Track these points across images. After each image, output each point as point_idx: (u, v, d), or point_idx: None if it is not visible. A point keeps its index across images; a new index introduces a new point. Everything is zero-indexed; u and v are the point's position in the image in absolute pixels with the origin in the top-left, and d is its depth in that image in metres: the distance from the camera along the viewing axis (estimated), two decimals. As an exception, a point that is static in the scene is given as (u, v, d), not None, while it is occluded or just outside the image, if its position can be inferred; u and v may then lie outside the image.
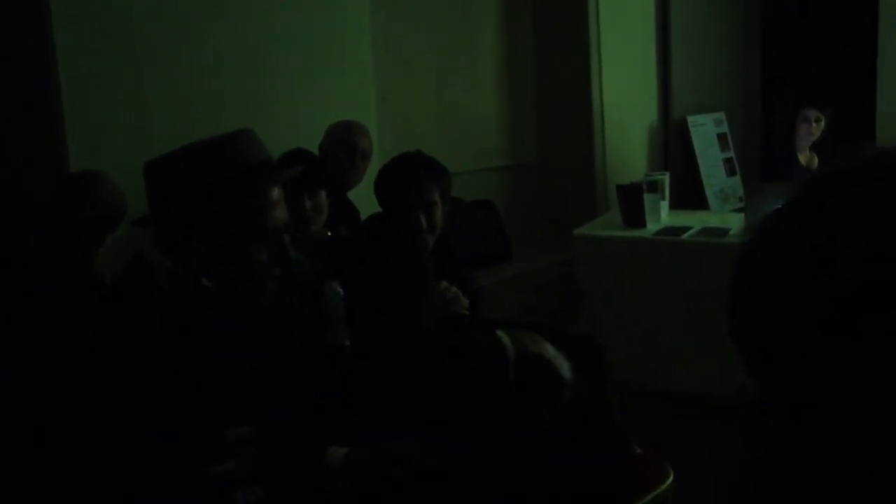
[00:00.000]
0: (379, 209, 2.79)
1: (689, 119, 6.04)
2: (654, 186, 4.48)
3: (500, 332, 1.59)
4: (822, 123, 4.90)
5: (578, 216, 4.94)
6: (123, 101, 3.23)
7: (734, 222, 4.36)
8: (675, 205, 4.78)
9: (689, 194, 5.80)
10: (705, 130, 6.14)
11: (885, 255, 0.60)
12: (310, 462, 1.69)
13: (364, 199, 3.35)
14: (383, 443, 1.94)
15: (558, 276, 4.95)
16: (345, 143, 3.70)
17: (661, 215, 4.47)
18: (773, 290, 0.66)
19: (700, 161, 6.01)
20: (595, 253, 4.42)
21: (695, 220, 4.48)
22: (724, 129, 6.28)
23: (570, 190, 5.55)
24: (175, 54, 3.41)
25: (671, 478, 2.48)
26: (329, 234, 3.19)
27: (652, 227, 4.37)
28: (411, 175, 2.61)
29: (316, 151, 3.52)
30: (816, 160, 4.90)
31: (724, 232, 4.20)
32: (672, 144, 6.09)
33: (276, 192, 1.57)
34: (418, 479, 1.88)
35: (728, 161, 6.22)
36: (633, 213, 4.40)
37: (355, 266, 2.65)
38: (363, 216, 3.37)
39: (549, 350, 1.61)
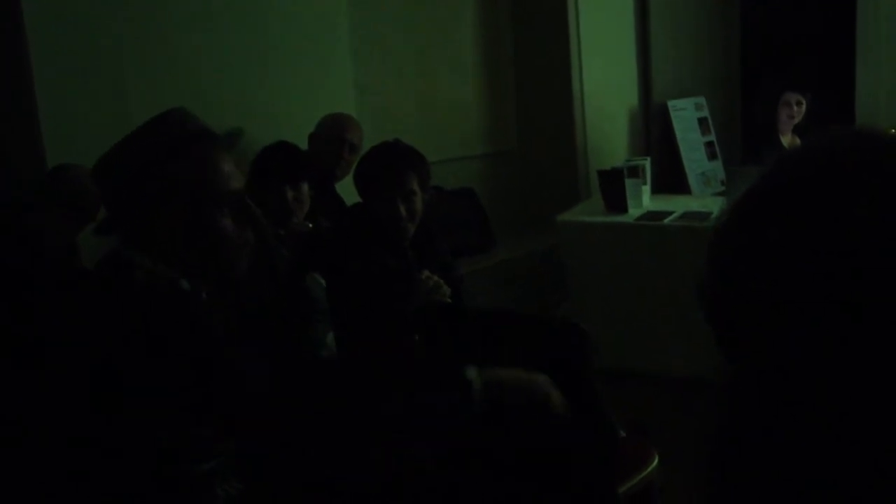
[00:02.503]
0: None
1: (670, 103, 6.05)
2: (635, 171, 4.48)
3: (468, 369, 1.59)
4: (804, 106, 4.91)
5: (560, 202, 4.93)
6: (103, 95, 3.20)
7: (716, 206, 4.37)
8: (657, 189, 4.78)
9: (671, 179, 5.81)
10: (686, 115, 6.15)
11: (858, 233, 0.60)
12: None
13: (351, 191, 3.35)
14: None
15: (541, 262, 4.96)
16: (334, 135, 3.71)
17: (643, 200, 4.47)
18: (745, 270, 0.66)
19: (681, 145, 6.01)
20: (578, 239, 4.42)
21: (676, 205, 4.49)
22: (705, 113, 6.29)
23: (552, 176, 5.55)
24: (155, 50, 3.38)
25: (656, 461, 2.49)
26: (310, 225, 3.18)
27: (634, 211, 4.37)
28: (390, 164, 2.60)
29: (297, 142, 3.51)
30: (798, 143, 4.92)
31: (705, 216, 4.21)
32: (653, 129, 6.09)
33: (224, 160, 1.55)
34: (416, 474, 1.88)
35: (709, 145, 6.23)
36: (615, 199, 4.40)
37: (337, 257, 2.64)
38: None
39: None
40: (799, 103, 4.88)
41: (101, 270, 1.55)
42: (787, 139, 4.94)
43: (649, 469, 2.47)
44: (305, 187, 3.11)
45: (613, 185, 4.40)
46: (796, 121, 4.91)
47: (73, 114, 3.10)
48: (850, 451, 0.60)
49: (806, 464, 0.62)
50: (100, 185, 1.54)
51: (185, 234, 1.50)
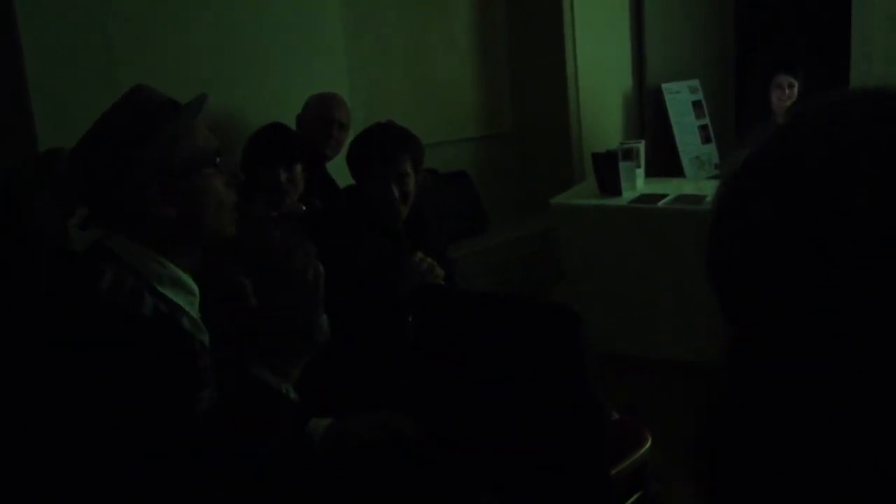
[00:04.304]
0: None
1: (664, 86, 6.04)
2: (629, 154, 4.47)
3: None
4: (796, 89, 4.90)
5: (554, 185, 4.93)
6: (94, 80, 3.17)
7: (710, 189, 4.36)
8: (651, 172, 4.78)
9: (665, 162, 5.80)
10: (680, 98, 6.15)
11: (857, 222, 0.59)
12: (291, 434, 1.68)
13: (343, 172, 3.34)
14: (364, 413, 1.94)
15: (535, 245, 4.96)
16: (322, 115, 3.69)
17: (637, 183, 4.47)
18: (740, 250, 0.65)
19: (675, 128, 6.01)
20: (572, 222, 4.42)
21: (670, 188, 4.49)
22: (699, 96, 6.28)
23: (546, 159, 5.54)
24: (146, 32, 3.35)
25: (649, 443, 2.50)
26: (303, 207, 3.17)
27: (628, 194, 4.37)
28: (383, 145, 2.59)
29: (290, 123, 3.50)
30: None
31: (699, 199, 4.21)
32: (647, 112, 6.08)
33: (198, 125, 1.55)
34: (399, 447, 1.89)
35: (703, 128, 6.23)
36: (609, 182, 4.40)
37: (330, 239, 2.64)
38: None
39: None
40: (791, 85, 4.87)
41: (75, 267, 1.53)
42: (780, 122, 4.93)
43: (642, 451, 2.47)
44: (299, 169, 3.10)
45: (607, 168, 4.40)
46: (788, 103, 4.89)
47: (65, 102, 3.08)
48: (849, 438, 0.60)
49: (802, 448, 0.62)
50: (76, 176, 1.52)
51: (178, 203, 1.49)
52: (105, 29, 3.22)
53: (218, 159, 1.55)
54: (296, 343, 1.45)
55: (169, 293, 1.50)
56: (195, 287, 1.57)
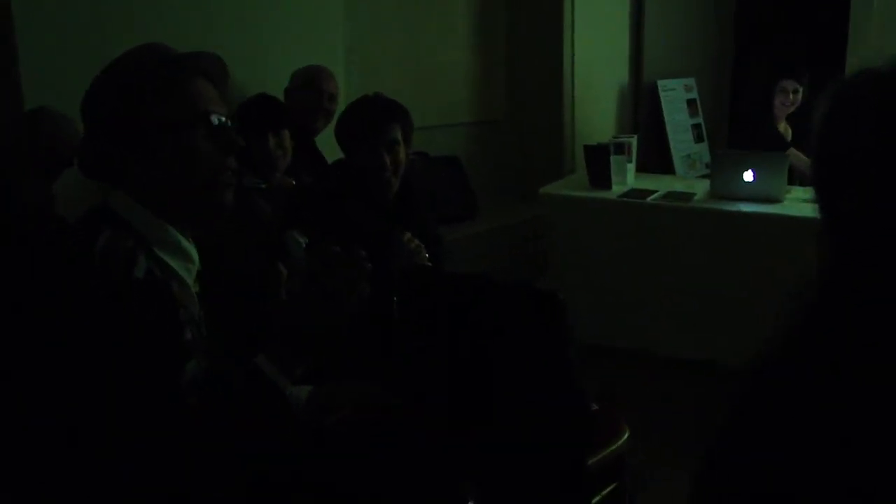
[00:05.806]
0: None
1: (660, 83, 6.04)
2: (621, 148, 4.47)
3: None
4: (800, 95, 4.86)
5: (545, 175, 4.93)
6: (85, 47, 3.13)
7: (699, 188, 4.37)
8: (642, 168, 4.78)
9: (656, 159, 5.81)
10: (675, 95, 6.14)
11: None
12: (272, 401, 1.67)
13: (332, 147, 3.33)
14: (345, 382, 1.93)
15: (523, 233, 4.96)
16: (311, 86, 3.67)
17: (627, 177, 4.47)
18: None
19: (668, 126, 6.01)
20: (560, 212, 4.42)
21: (660, 184, 4.49)
22: (694, 94, 6.28)
23: (538, 148, 5.54)
24: (141, 6, 3.32)
25: (627, 434, 2.50)
26: (293, 182, 3.16)
27: (617, 188, 4.37)
28: (373, 115, 2.57)
29: (283, 98, 3.48)
30: (790, 131, 4.88)
31: (688, 197, 4.22)
32: (641, 108, 6.08)
33: (198, 83, 1.51)
34: (379, 417, 1.88)
35: (696, 127, 6.23)
36: (599, 174, 4.40)
37: (318, 214, 2.62)
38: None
39: None
40: (795, 91, 4.82)
41: (70, 229, 1.51)
42: (781, 126, 4.89)
43: (619, 442, 2.47)
44: (287, 135, 3.09)
45: (599, 161, 4.40)
46: (791, 109, 4.86)
47: (54, 63, 3.04)
48: None
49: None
50: (83, 123, 1.50)
51: (163, 161, 1.45)
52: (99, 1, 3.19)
53: (216, 120, 1.50)
54: (310, 349, 1.43)
55: (168, 258, 1.48)
56: (195, 255, 1.53)
